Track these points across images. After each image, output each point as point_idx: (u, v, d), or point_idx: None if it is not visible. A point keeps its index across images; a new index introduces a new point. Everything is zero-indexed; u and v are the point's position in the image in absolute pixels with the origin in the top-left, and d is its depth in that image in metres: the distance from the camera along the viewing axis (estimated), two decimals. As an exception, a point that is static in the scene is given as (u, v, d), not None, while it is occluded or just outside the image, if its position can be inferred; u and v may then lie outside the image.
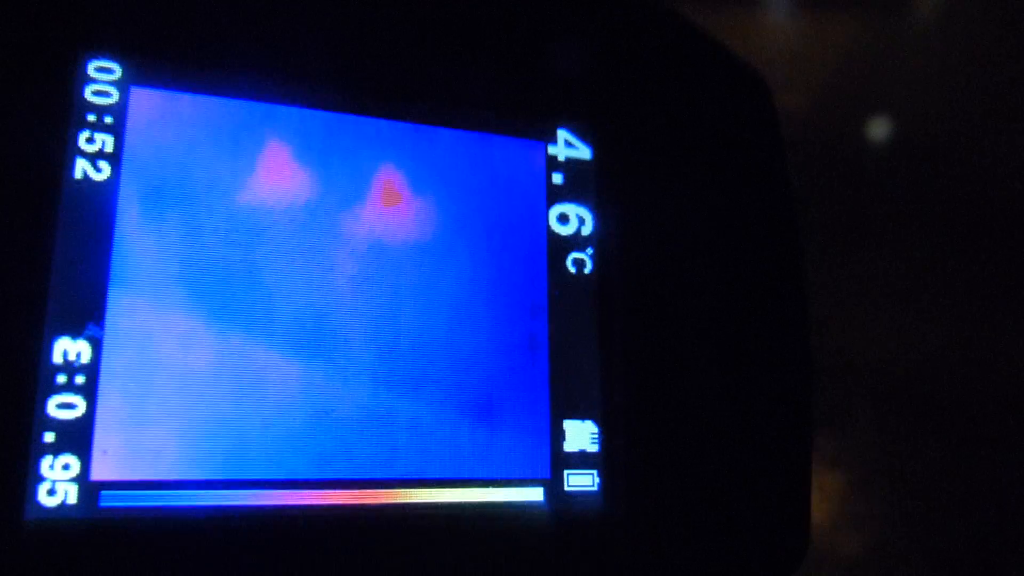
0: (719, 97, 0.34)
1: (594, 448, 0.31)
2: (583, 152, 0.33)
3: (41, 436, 0.25)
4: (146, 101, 0.28)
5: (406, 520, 0.28)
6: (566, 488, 0.30)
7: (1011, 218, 0.41)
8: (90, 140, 0.27)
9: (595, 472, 0.30)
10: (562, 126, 0.33)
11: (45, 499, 0.25)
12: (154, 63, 0.28)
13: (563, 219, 0.32)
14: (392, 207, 0.30)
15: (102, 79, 0.28)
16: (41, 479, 0.25)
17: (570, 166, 0.33)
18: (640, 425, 0.31)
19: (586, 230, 0.32)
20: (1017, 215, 0.41)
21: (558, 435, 0.30)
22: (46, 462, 0.25)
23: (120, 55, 0.28)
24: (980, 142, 0.42)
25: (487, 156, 0.32)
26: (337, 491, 0.28)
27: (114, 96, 0.28)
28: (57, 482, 0.25)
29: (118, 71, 0.28)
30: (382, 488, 0.28)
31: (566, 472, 0.30)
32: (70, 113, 0.27)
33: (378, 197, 0.30)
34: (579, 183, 0.33)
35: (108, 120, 0.28)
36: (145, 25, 0.28)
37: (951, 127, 0.41)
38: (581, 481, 0.30)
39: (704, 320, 0.32)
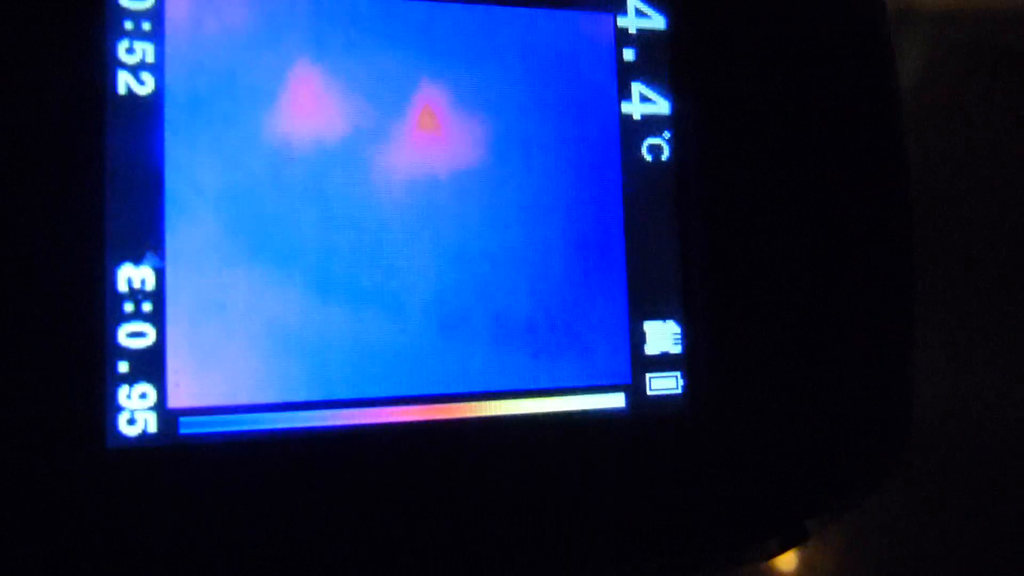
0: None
1: (677, 349, 0.29)
2: (657, 21, 0.30)
3: (115, 366, 0.25)
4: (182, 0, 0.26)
5: (484, 434, 0.27)
6: (649, 392, 0.29)
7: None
8: (129, 50, 0.26)
9: (679, 374, 0.29)
10: (632, -7, 0.30)
11: (126, 428, 0.25)
12: None
13: (637, 100, 0.30)
14: (446, 111, 0.28)
15: None
16: (120, 409, 0.25)
17: (643, 39, 0.30)
18: (725, 323, 0.29)
19: (663, 112, 0.30)
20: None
21: (638, 337, 0.29)
22: (123, 392, 0.25)
23: (149, -48, 0.26)
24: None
25: (548, 35, 0.29)
26: (411, 407, 0.27)
27: None
28: (136, 411, 0.25)
29: None
30: (458, 402, 0.27)
31: (648, 375, 0.29)
32: (105, 22, 0.26)
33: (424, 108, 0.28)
34: (653, 58, 0.30)
35: (146, 26, 0.26)
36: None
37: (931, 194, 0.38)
38: (664, 384, 0.29)
39: (791, 209, 0.29)
